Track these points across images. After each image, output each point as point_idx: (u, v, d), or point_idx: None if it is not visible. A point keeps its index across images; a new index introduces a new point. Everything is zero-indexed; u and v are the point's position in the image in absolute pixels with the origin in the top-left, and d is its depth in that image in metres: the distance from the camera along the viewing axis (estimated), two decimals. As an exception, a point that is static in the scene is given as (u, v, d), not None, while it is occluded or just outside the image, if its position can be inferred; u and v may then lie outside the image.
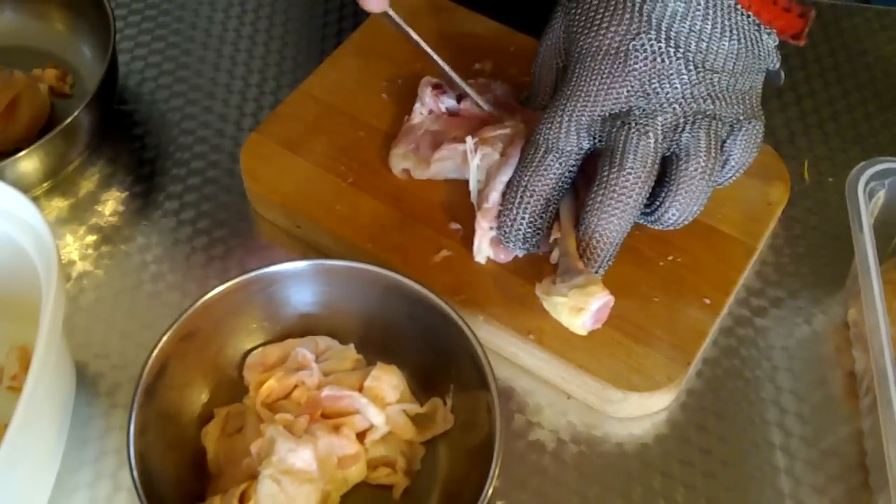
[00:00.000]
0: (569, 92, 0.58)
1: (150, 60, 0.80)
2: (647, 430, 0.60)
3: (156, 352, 0.54)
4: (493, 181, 0.62)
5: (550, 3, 0.63)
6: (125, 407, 0.60)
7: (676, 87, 0.56)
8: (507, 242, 0.61)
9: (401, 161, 0.67)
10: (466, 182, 0.65)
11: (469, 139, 0.64)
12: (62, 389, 0.58)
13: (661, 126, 0.57)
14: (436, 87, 0.68)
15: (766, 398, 0.61)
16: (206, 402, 0.58)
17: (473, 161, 0.63)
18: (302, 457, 0.53)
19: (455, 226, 0.65)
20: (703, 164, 0.57)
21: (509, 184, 0.61)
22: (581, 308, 0.54)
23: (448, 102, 0.68)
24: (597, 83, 0.57)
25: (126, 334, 0.64)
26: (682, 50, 0.56)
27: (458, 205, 0.65)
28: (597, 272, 0.58)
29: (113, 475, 0.58)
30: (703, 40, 0.56)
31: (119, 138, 0.75)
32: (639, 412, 0.60)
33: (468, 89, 0.67)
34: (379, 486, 0.56)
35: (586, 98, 0.58)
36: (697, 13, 0.55)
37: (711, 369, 0.62)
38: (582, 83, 0.58)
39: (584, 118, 0.58)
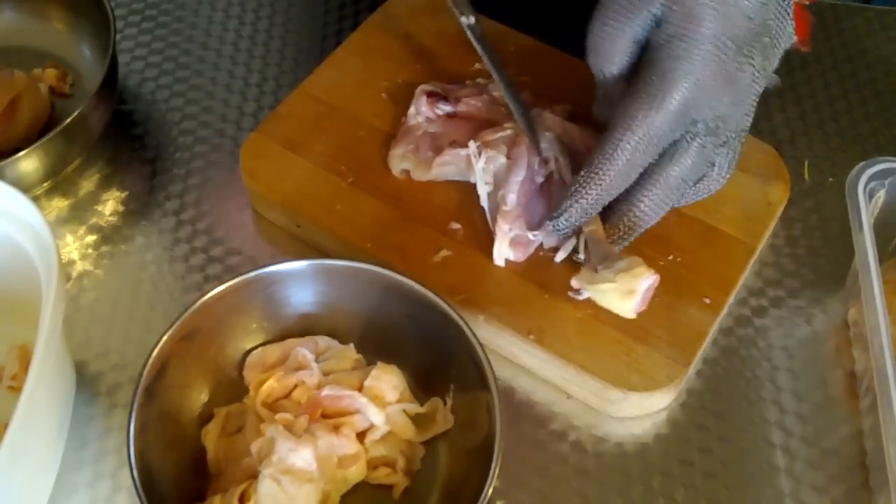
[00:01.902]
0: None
1: (150, 60, 0.80)
2: (647, 430, 0.60)
3: (156, 352, 0.54)
4: (506, 183, 0.62)
5: (550, 2, 0.63)
6: (125, 407, 0.60)
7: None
8: (557, 230, 0.59)
9: (400, 162, 0.67)
10: (467, 182, 0.65)
11: (472, 143, 0.64)
12: (62, 389, 0.58)
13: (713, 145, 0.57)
14: (431, 94, 0.68)
15: (766, 398, 0.61)
16: (206, 402, 0.58)
17: (478, 164, 0.63)
18: (302, 456, 0.53)
19: (455, 225, 0.65)
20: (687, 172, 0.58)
21: (585, 179, 0.57)
22: (632, 290, 0.54)
23: (445, 109, 0.68)
24: None
25: (126, 334, 0.64)
26: None
27: (457, 205, 0.66)
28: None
29: (113, 475, 0.58)
30: None
31: (119, 138, 0.75)
32: (639, 412, 0.60)
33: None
34: (379, 485, 0.56)
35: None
36: None
37: (711, 369, 0.62)
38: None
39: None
